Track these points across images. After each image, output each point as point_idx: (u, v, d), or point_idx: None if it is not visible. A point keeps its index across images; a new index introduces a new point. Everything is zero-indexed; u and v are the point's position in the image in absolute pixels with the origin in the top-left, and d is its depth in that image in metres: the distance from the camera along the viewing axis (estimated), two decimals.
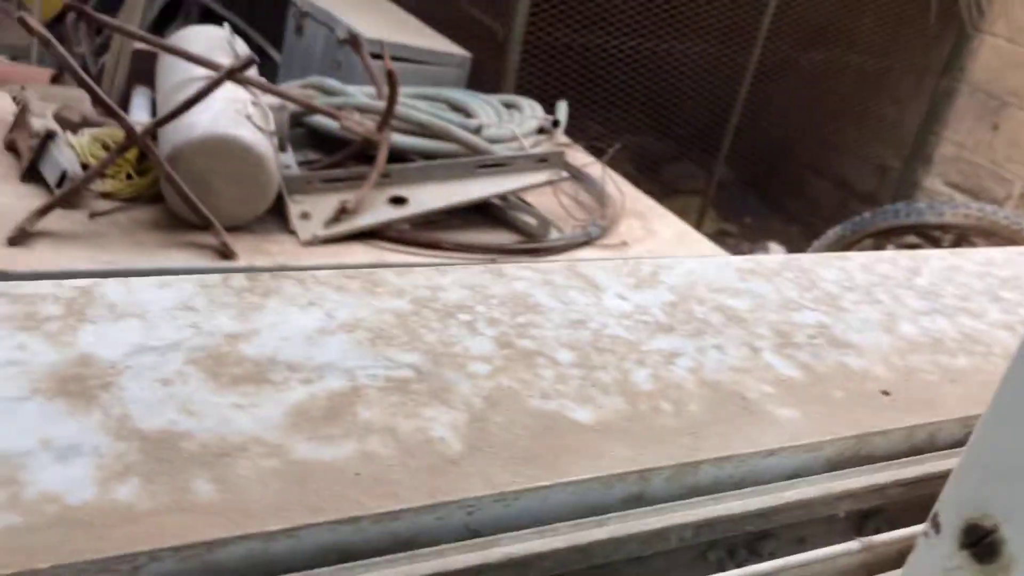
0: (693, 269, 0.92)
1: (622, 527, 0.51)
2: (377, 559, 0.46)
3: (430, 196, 2.41)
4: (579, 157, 3.01)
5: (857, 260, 1.01)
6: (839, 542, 0.57)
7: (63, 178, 1.85)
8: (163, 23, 3.93)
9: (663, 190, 5.17)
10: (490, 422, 0.62)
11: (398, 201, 2.37)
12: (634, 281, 0.86)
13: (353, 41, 2.38)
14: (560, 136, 3.10)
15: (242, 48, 2.17)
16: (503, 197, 2.58)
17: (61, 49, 1.63)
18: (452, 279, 0.79)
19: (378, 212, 2.29)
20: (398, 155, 2.57)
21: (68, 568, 0.42)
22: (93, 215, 1.84)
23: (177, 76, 2.09)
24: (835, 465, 0.63)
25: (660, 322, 0.80)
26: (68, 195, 1.82)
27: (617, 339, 0.76)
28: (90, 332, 0.60)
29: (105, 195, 1.96)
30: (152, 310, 0.64)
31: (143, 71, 2.22)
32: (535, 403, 0.65)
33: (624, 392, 0.69)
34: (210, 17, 3.71)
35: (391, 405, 0.61)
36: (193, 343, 0.62)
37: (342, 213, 2.13)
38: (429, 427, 0.60)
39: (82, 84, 1.75)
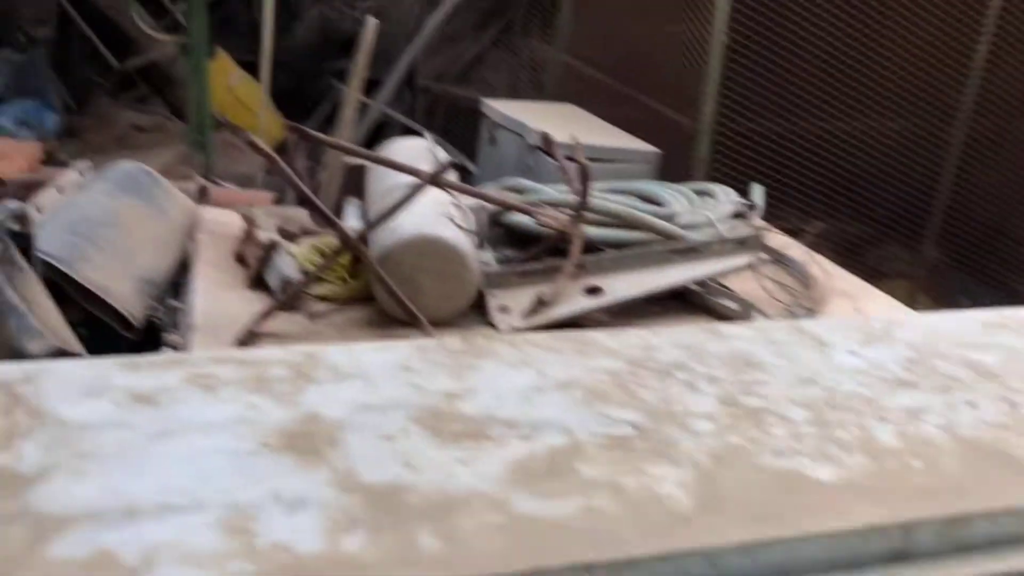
0: (931, 324, 0.84)
1: None
2: None
3: (626, 285, 2.38)
4: (778, 240, 2.91)
5: None
6: None
7: (285, 283, 1.99)
8: (370, 145, 4.24)
9: (867, 275, 4.89)
10: (721, 479, 0.57)
11: (594, 291, 2.36)
12: (864, 337, 0.80)
13: (545, 141, 2.45)
14: (757, 219, 3.02)
15: (442, 155, 2.29)
16: (701, 283, 2.52)
17: (283, 164, 1.78)
18: (666, 339, 0.75)
19: (575, 303, 2.29)
20: (592, 247, 2.58)
21: None
22: (312, 316, 1.96)
23: (385, 185, 2.23)
24: None
25: (900, 378, 0.73)
26: (289, 299, 1.94)
27: (853, 396, 0.69)
28: (315, 392, 0.62)
29: (322, 298, 2.08)
30: (373, 371, 0.65)
31: (354, 184, 2.38)
32: (768, 461, 0.60)
33: (867, 450, 0.62)
34: (412, 135, 3.97)
35: (613, 462, 0.58)
36: (413, 401, 0.62)
37: (539, 305, 2.15)
38: (655, 484, 0.56)
39: (302, 196, 1.89)
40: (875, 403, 0.69)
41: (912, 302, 4.99)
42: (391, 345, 0.69)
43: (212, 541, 0.47)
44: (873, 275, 5.11)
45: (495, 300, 2.23)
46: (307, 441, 0.57)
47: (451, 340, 0.71)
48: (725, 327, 0.79)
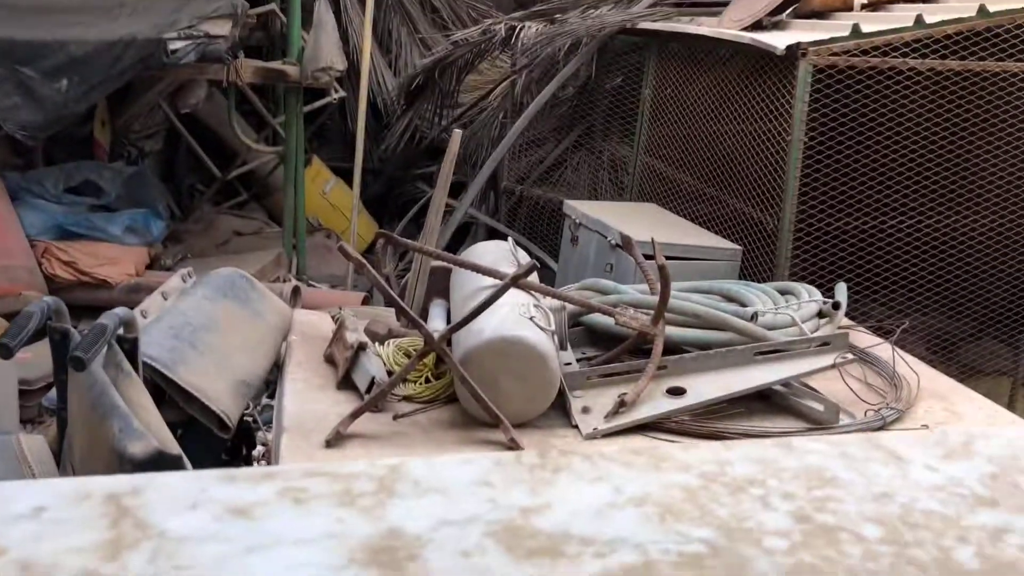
0: (1013, 439, 0.82)
1: None
2: None
3: (708, 386, 2.37)
4: (865, 339, 2.85)
5: None
6: None
7: (372, 384, 2.05)
8: (455, 246, 4.37)
9: (963, 372, 4.72)
10: None
11: (676, 392, 2.35)
12: (943, 452, 0.79)
13: (625, 242, 2.50)
14: (842, 318, 2.98)
15: (523, 257, 2.35)
16: (786, 384, 2.49)
17: (372, 270, 1.86)
18: (739, 454, 0.76)
19: (657, 404, 2.29)
20: (674, 347, 2.58)
21: None
22: (397, 417, 2.01)
23: (468, 287, 2.29)
24: None
25: (980, 495, 0.72)
26: (376, 400, 2.00)
27: (931, 514, 0.69)
28: (398, 506, 0.65)
29: (407, 398, 2.14)
30: (452, 486, 0.68)
31: (439, 286, 2.46)
32: None
33: (946, 570, 0.62)
34: (495, 236, 4.07)
35: None
36: (490, 517, 0.65)
37: (621, 406, 2.16)
38: None
39: (389, 299, 1.97)
40: (954, 522, 0.68)
41: (1013, 401, 4.77)
42: (471, 458, 0.72)
43: None
44: (971, 373, 4.93)
45: (577, 401, 2.24)
46: (390, 555, 0.60)
47: (527, 454, 0.74)
48: (799, 441, 0.80)
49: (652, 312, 2.43)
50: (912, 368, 2.75)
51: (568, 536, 0.63)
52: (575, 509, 0.66)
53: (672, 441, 2.04)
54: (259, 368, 2.11)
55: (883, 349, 2.77)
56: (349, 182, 4.47)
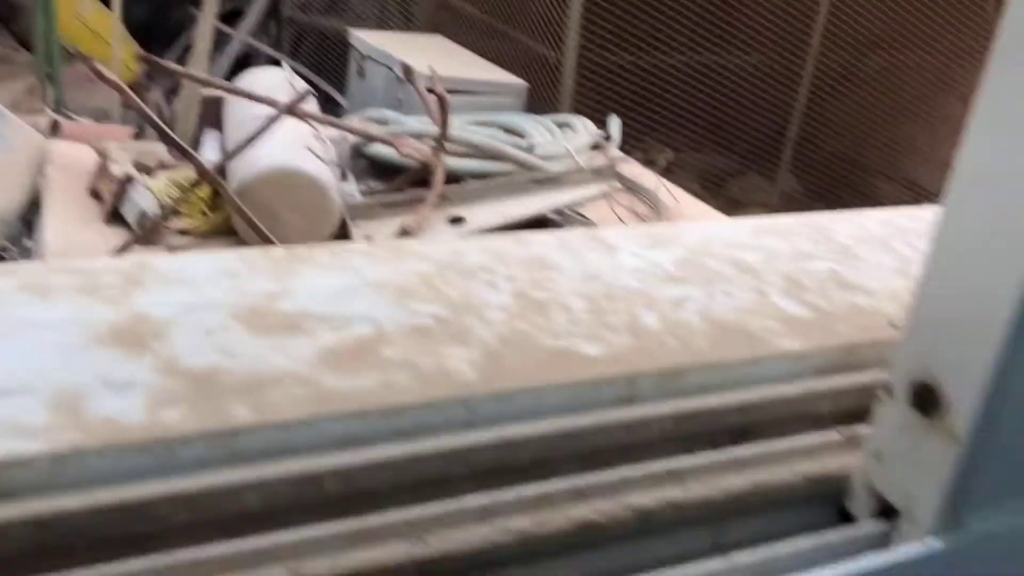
0: (709, 230, 0.96)
1: (606, 415, 0.56)
2: (382, 444, 0.52)
3: (487, 214, 2.48)
4: (635, 170, 3.05)
5: (875, 216, 1.03)
6: None
7: (143, 218, 1.99)
8: (234, 78, 4.16)
9: (730, 205, 5.15)
10: (504, 356, 0.67)
11: (457, 221, 2.45)
12: (649, 242, 0.91)
13: (406, 72, 2.50)
14: (614, 150, 3.15)
15: (301, 85, 2.31)
16: (559, 211, 2.64)
17: (132, 94, 1.78)
18: (475, 246, 0.85)
19: (438, 232, 2.38)
20: (455, 178, 2.66)
21: (113, 447, 0.50)
22: (171, 250, 1.97)
23: (242, 116, 2.23)
24: (823, 373, 0.66)
25: (671, 274, 0.84)
26: (147, 233, 1.96)
27: (628, 289, 0.81)
28: (144, 295, 0.68)
29: (182, 232, 2.10)
30: (199, 277, 0.72)
31: (212, 117, 2.38)
32: (547, 341, 0.70)
33: (632, 331, 0.73)
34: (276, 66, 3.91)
35: (413, 346, 0.67)
36: (234, 301, 0.69)
37: (403, 235, 2.23)
38: (446, 361, 0.65)
39: (155, 127, 1.89)
40: (646, 294, 0.80)
41: None
42: (218, 255, 0.76)
43: (43, 417, 0.54)
44: (734, 204, 5.37)
45: (359, 231, 2.29)
46: (135, 336, 0.64)
47: (275, 249, 0.78)
48: (529, 235, 0.89)
49: (432, 143, 2.48)
50: (675, 197, 2.99)
51: (307, 315, 0.69)
52: (316, 293, 0.73)
53: None
54: (12, 204, 1.99)
55: (649, 179, 2.98)
56: (108, 5, 4.10)
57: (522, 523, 0.46)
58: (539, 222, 2.63)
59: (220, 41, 4.17)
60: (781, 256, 0.92)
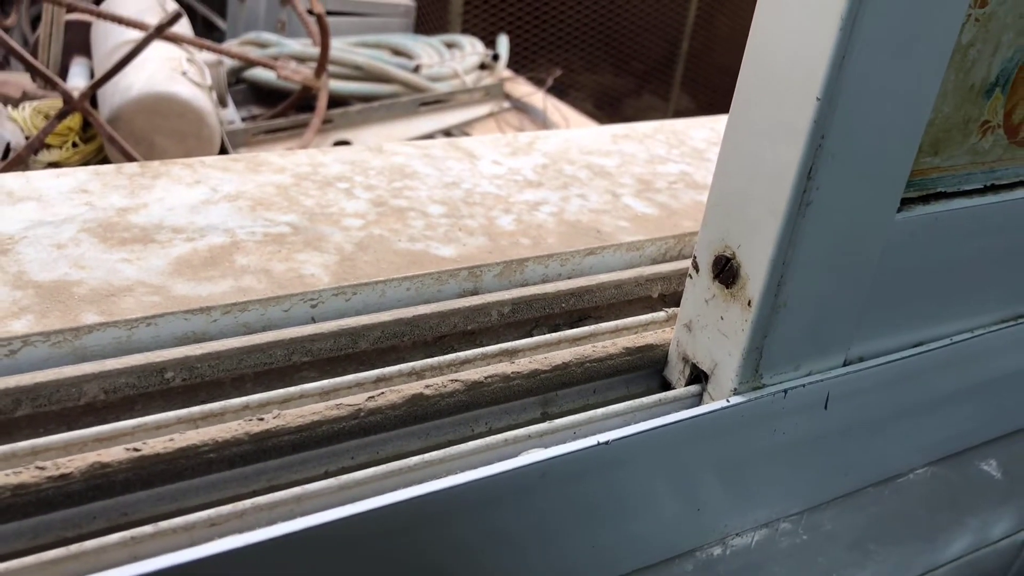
0: (569, 137, 0.99)
1: (445, 304, 0.59)
2: (226, 338, 0.54)
3: (374, 137, 2.47)
4: (524, 90, 3.06)
5: None
6: None
7: (7, 151, 1.91)
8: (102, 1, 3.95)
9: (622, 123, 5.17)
10: (359, 260, 0.69)
11: (342, 144, 2.42)
12: (510, 150, 0.94)
13: None
14: (503, 70, 3.14)
15: (172, 6, 2.22)
16: (447, 132, 2.64)
17: None
18: (333, 157, 0.86)
19: None
20: (341, 101, 2.62)
21: None
22: None
23: (111, 41, 2.14)
24: (657, 261, 0.71)
25: (529, 180, 0.87)
26: (12, 165, 1.88)
27: (487, 195, 0.83)
28: None
29: (53, 164, 2.02)
30: (49, 194, 0.71)
31: (79, 42, 2.27)
32: (403, 245, 0.73)
33: (488, 233, 0.76)
34: None
35: (267, 253, 0.69)
36: (86, 216, 0.69)
37: None
38: (301, 267, 0.67)
39: (16, 55, 1.80)
40: (504, 200, 0.83)
41: None
42: (68, 170, 0.75)
43: None
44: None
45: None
46: None
47: (129, 166, 0.78)
48: (390, 145, 0.91)
49: (316, 65, 2.43)
50: (563, 116, 3.02)
51: (161, 227, 0.70)
52: (171, 207, 0.73)
53: None
54: None
55: (537, 98, 3.00)
56: None
57: (357, 400, 0.49)
58: None
59: None
60: (637, 160, 0.96)
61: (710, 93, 5.68)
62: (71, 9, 2.04)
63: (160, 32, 1.92)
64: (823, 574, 0.79)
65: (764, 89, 0.47)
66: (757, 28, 0.47)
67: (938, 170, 0.56)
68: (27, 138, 1.94)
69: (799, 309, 0.51)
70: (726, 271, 0.50)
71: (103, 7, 2.30)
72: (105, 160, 2.05)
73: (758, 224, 0.48)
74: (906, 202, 0.55)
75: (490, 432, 0.52)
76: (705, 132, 1.05)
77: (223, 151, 2.14)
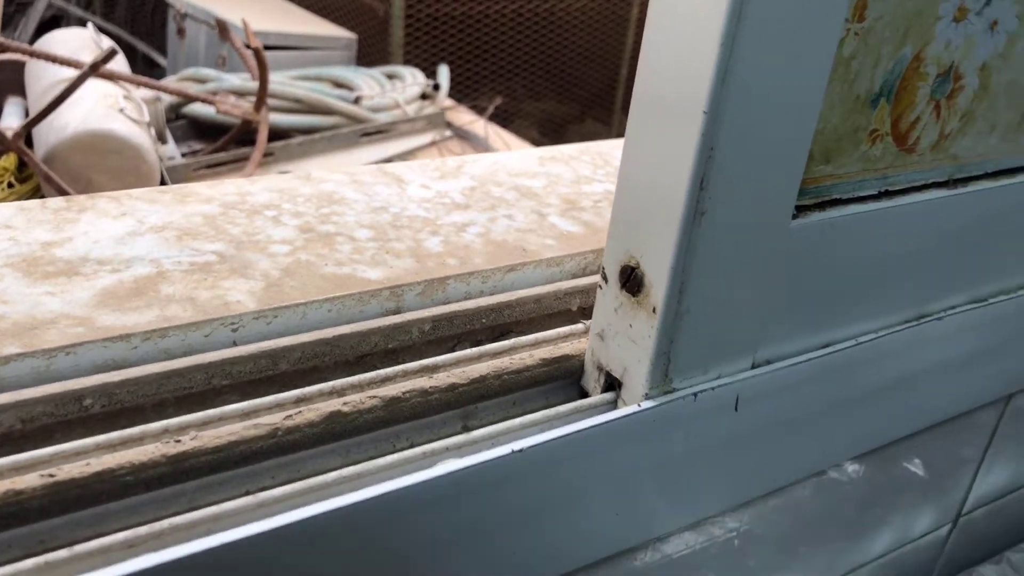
0: (497, 160, 1.01)
1: (365, 324, 0.61)
2: (147, 364, 0.55)
3: (316, 169, 2.47)
4: (466, 118, 3.09)
5: None
6: None
7: None
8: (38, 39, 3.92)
9: None
10: (285, 286, 0.71)
11: None
12: (439, 174, 0.96)
13: (220, 28, 2.43)
14: (444, 100, 3.17)
15: (108, 44, 2.21)
16: (389, 161, 2.65)
17: None
18: (261, 186, 0.87)
19: None
20: (282, 134, 2.63)
21: None
22: None
23: (45, 80, 2.13)
24: (576, 276, 0.73)
25: (457, 202, 0.89)
26: None
27: (415, 218, 0.85)
28: None
29: None
30: None
31: (12, 81, 2.25)
32: (330, 269, 0.74)
33: (415, 255, 0.78)
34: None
35: (193, 282, 0.69)
36: (9, 252, 0.70)
37: None
38: (226, 294, 0.68)
39: None
40: (432, 222, 0.85)
41: None
42: None
43: None
44: None
45: None
46: None
47: (53, 200, 0.78)
48: (319, 173, 0.92)
49: (255, 99, 2.43)
50: (505, 142, 3.05)
51: (86, 260, 0.70)
52: (96, 240, 0.73)
53: None
54: None
55: (479, 126, 3.03)
56: None
57: (274, 419, 0.50)
58: None
59: (24, 2, 3.92)
60: (563, 181, 0.99)
61: None
62: (3, 49, 2.03)
63: (95, 70, 1.92)
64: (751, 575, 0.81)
65: (656, 105, 0.50)
66: (647, 47, 0.50)
67: (832, 178, 0.59)
68: None
69: (702, 314, 0.54)
70: (632, 280, 0.52)
71: (37, 46, 2.29)
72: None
73: (658, 234, 0.50)
74: (802, 209, 0.58)
75: (411, 447, 0.53)
76: None
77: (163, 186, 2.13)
